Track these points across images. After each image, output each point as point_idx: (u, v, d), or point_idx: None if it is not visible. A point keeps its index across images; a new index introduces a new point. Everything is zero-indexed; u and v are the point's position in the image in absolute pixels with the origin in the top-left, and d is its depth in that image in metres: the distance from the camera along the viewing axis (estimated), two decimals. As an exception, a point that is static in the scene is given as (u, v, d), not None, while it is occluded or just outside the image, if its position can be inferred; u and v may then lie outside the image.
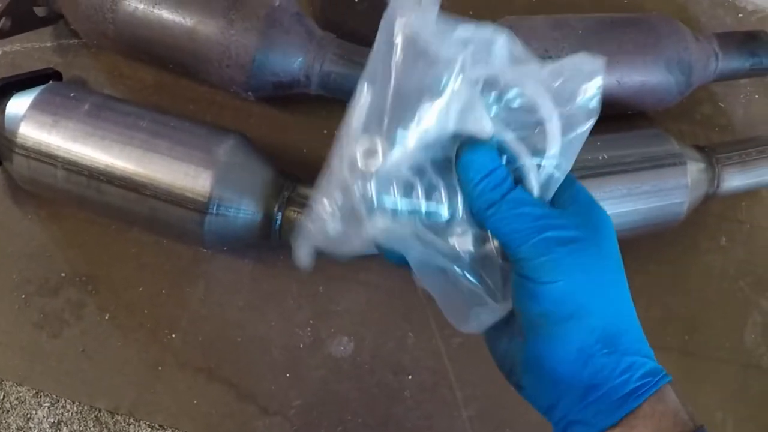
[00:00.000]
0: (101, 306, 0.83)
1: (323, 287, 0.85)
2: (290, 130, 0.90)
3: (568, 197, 0.48)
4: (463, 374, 0.83)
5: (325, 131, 0.90)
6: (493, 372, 0.81)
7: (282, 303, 0.84)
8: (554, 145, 0.45)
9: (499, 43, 0.44)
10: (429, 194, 0.44)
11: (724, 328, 0.89)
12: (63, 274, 0.85)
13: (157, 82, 0.92)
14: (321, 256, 0.82)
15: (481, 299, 0.44)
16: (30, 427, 0.80)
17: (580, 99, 0.44)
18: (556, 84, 0.44)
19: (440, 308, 0.47)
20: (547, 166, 0.45)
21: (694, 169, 0.84)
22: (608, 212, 0.78)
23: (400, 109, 0.42)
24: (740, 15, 1.06)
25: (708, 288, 0.90)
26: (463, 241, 0.45)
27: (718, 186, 0.87)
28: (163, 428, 0.80)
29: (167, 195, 0.75)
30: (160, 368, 0.81)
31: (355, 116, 0.43)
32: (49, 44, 0.94)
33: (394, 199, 0.43)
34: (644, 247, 0.89)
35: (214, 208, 0.75)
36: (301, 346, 0.82)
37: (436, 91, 0.41)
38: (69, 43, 0.94)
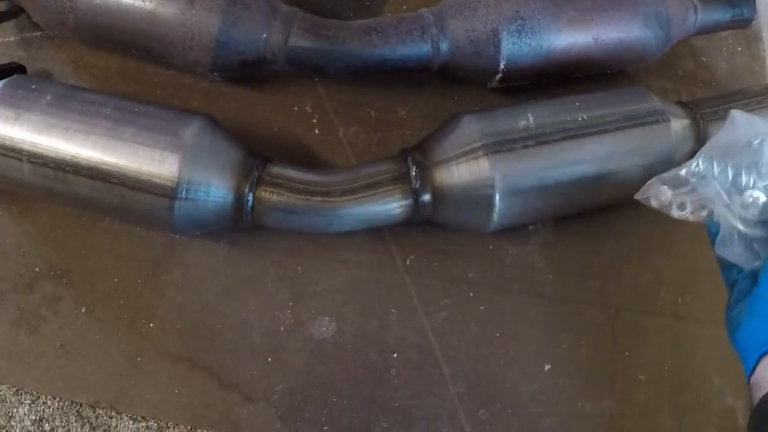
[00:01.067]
0: (77, 299, 0.82)
1: (302, 268, 0.83)
2: (260, 109, 0.88)
3: None
4: (450, 350, 0.81)
5: (296, 108, 0.88)
6: (480, 346, 0.80)
7: (260, 286, 0.82)
8: None
9: None
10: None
11: (716, 291, 0.85)
12: (37, 269, 0.83)
13: (123, 69, 0.90)
14: (299, 236, 0.80)
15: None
16: (12, 426, 0.79)
17: None
18: None
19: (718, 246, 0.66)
20: None
21: (678, 126, 0.82)
22: (591, 173, 0.76)
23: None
24: (720, -33, 1.04)
25: (699, 250, 0.88)
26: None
27: (703, 142, 0.85)
28: (146, 420, 0.78)
29: (135, 182, 0.74)
30: (139, 359, 0.79)
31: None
32: (12, 38, 0.93)
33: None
34: (634, 209, 0.86)
35: (183, 192, 0.73)
36: (282, 329, 0.81)
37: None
38: (32, 36, 0.93)
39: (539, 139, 0.76)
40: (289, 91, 0.88)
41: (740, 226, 0.64)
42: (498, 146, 0.75)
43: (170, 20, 0.80)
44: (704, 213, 0.67)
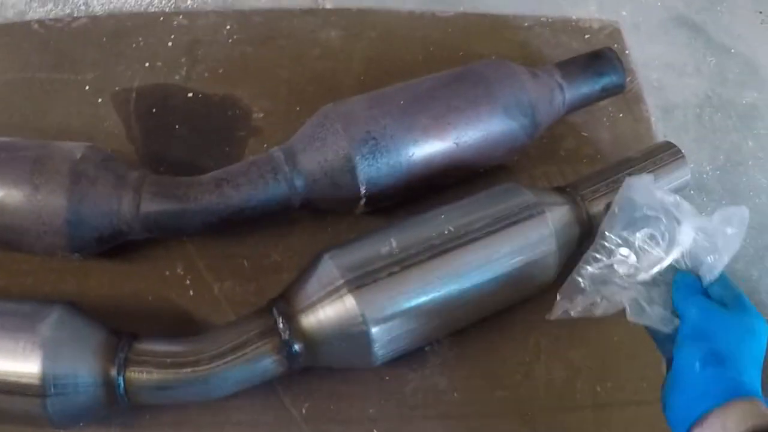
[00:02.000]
0: None
1: (198, 439, 0.79)
2: (132, 280, 0.85)
3: (728, 298, 0.65)
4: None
5: (167, 272, 0.85)
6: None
7: (159, 466, 0.78)
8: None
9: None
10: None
11: (636, 369, 0.83)
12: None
13: (-7, 262, 0.87)
14: (181, 408, 0.77)
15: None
16: None
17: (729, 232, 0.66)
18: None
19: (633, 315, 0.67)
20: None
21: (557, 214, 0.79)
22: (470, 285, 0.73)
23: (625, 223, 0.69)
24: (587, 36, 1.02)
25: (610, 331, 0.85)
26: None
27: (590, 223, 0.82)
28: None
29: (4, 385, 0.70)
30: None
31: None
32: None
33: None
34: (533, 306, 0.83)
35: (51, 388, 0.70)
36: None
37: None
38: None
39: (404, 263, 0.73)
40: (159, 256, 0.86)
41: (640, 290, 0.68)
42: (361, 279, 0.71)
43: (19, 209, 0.78)
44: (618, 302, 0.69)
